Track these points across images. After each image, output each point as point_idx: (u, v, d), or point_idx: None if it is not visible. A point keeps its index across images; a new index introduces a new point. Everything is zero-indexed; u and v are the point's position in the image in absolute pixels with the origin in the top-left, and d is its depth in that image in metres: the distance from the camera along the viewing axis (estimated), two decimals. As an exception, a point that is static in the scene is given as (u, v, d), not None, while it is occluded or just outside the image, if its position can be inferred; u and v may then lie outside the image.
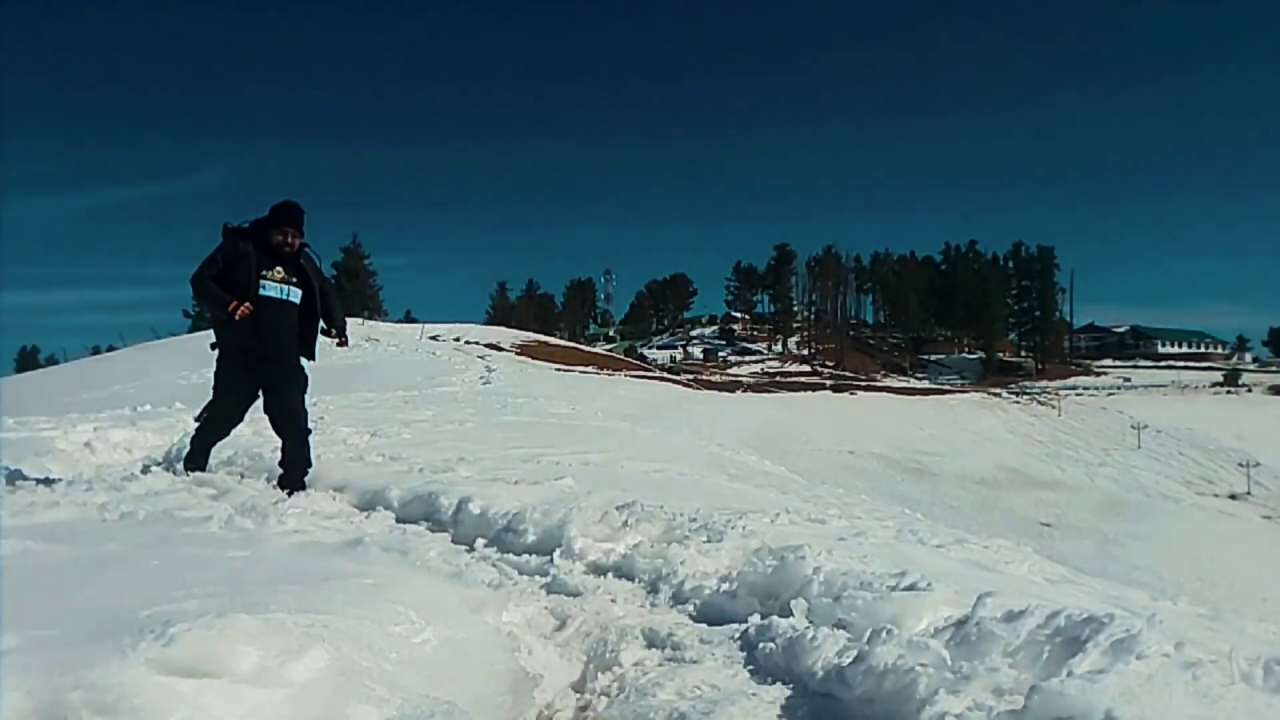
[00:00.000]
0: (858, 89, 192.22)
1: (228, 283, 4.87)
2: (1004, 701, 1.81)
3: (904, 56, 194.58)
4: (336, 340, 5.32)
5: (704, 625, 2.82)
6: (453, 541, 3.88)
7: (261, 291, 4.91)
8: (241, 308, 4.76)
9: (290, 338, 5.06)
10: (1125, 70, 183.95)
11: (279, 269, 4.99)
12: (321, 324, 5.29)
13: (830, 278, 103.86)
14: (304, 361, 5.23)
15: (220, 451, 7.15)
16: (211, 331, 5.17)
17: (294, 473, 5.07)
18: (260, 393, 5.05)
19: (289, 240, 4.99)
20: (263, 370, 4.97)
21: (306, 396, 5.25)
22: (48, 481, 5.59)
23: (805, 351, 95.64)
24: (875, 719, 1.98)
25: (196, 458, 5.36)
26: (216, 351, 5.09)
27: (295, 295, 5.07)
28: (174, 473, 6.64)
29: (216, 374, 5.08)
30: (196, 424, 5.38)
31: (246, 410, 5.19)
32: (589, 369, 50.59)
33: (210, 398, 5.19)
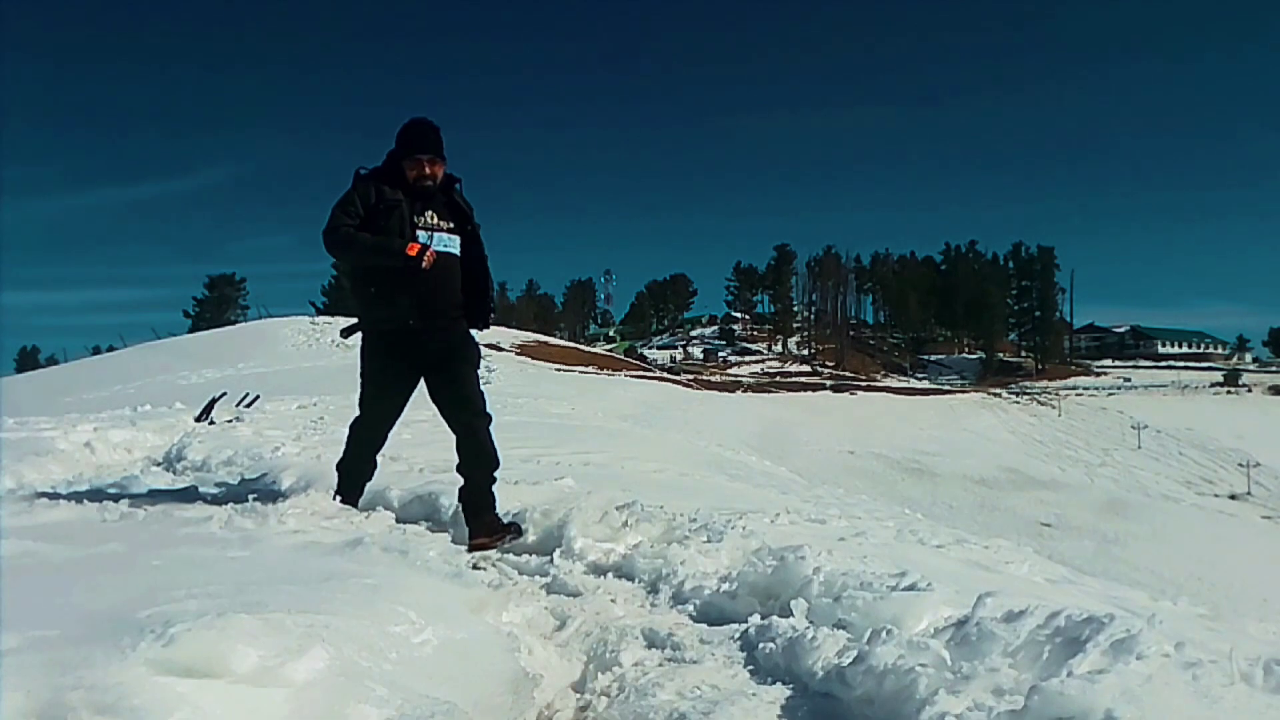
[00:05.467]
0: (858, 88, 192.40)
1: (376, 234, 3.74)
2: (1004, 701, 1.81)
3: (903, 56, 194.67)
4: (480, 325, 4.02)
5: (704, 625, 2.82)
6: (453, 541, 3.86)
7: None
8: (429, 252, 3.62)
9: (453, 301, 3.87)
10: (1126, 69, 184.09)
11: (432, 213, 3.81)
12: None
13: (830, 278, 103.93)
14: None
15: (220, 451, 7.17)
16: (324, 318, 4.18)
17: (479, 478, 3.79)
18: (422, 380, 3.91)
19: (428, 171, 3.78)
20: (426, 348, 3.81)
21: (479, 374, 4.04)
22: (48, 482, 5.59)
23: (805, 351, 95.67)
24: (875, 719, 1.98)
25: (351, 485, 4.11)
26: (356, 338, 3.97)
27: (454, 244, 3.86)
28: (174, 473, 6.66)
29: (364, 366, 3.94)
30: (346, 450, 4.15)
31: (404, 406, 4.02)
32: (589, 369, 50.61)
33: (359, 398, 4.05)
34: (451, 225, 3.86)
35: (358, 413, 4.07)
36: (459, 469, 3.82)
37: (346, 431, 4.16)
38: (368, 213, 3.71)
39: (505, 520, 3.80)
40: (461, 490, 3.81)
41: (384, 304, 3.74)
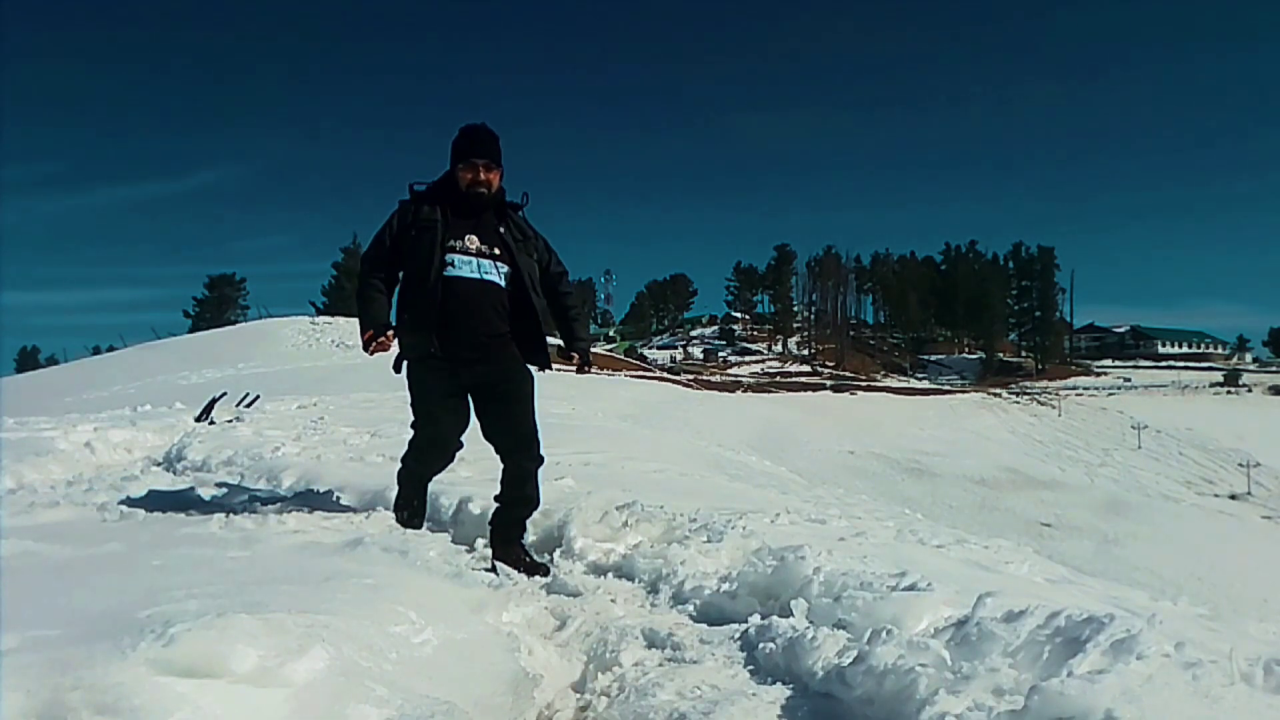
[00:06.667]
0: (858, 88, 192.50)
1: (406, 259, 3.53)
2: (1004, 701, 1.81)
3: (904, 56, 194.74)
4: (576, 366, 3.80)
5: (704, 625, 2.82)
6: (453, 541, 3.87)
7: (450, 271, 3.48)
8: (375, 344, 3.47)
9: (487, 331, 3.55)
10: (1126, 69, 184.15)
11: (473, 237, 3.52)
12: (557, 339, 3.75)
13: (830, 278, 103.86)
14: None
15: (220, 451, 7.17)
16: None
17: (514, 513, 3.65)
18: (470, 402, 3.67)
19: (481, 178, 3.50)
20: (461, 376, 3.58)
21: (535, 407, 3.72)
22: (48, 482, 5.59)
23: (805, 351, 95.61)
24: (875, 719, 1.98)
25: (408, 505, 3.90)
26: (404, 365, 3.66)
27: (498, 274, 3.56)
28: (174, 473, 6.66)
29: (410, 388, 3.67)
30: (402, 463, 3.93)
31: (463, 428, 3.70)
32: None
33: (412, 423, 3.76)
34: (497, 251, 3.56)
35: (412, 435, 3.79)
36: (496, 497, 3.71)
37: (407, 452, 3.89)
38: (401, 237, 3.54)
39: (531, 550, 3.70)
40: (494, 514, 3.71)
41: (410, 331, 3.56)
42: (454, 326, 3.50)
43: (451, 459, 3.83)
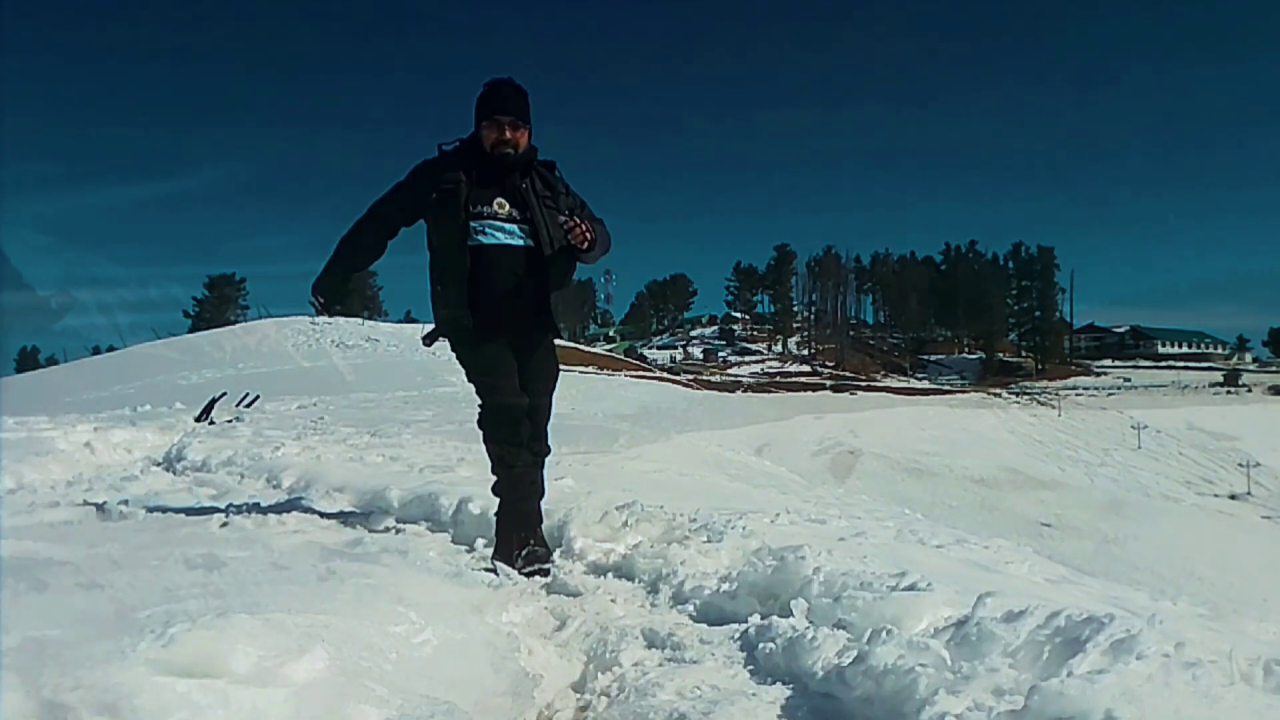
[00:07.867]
0: (858, 88, 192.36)
1: (431, 228, 3.35)
2: (1004, 701, 1.81)
3: (903, 56, 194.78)
4: (577, 237, 3.25)
5: (704, 625, 2.81)
6: (453, 541, 3.87)
7: (477, 238, 3.26)
8: (325, 311, 3.45)
9: (522, 298, 3.33)
10: (1126, 69, 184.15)
11: (503, 201, 3.30)
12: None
13: (830, 278, 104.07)
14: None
15: (220, 451, 7.17)
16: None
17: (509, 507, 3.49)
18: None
19: (506, 137, 3.27)
20: (507, 335, 3.35)
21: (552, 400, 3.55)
22: (48, 482, 5.59)
23: (805, 351, 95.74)
24: (875, 719, 1.98)
25: (521, 540, 3.39)
26: (442, 343, 3.46)
27: (521, 237, 3.33)
28: (174, 473, 6.66)
29: (461, 357, 3.43)
30: (495, 469, 3.46)
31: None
32: (589, 369, 50.62)
33: (482, 412, 3.41)
34: (522, 215, 3.32)
35: (481, 407, 3.40)
36: (494, 488, 3.54)
37: (491, 462, 3.45)
38: (420, 202, 3.33)
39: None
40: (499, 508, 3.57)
41: (443, 305, 3.36)
42: (487, 300, 3.29)
43: (526, 411, 3.39)
